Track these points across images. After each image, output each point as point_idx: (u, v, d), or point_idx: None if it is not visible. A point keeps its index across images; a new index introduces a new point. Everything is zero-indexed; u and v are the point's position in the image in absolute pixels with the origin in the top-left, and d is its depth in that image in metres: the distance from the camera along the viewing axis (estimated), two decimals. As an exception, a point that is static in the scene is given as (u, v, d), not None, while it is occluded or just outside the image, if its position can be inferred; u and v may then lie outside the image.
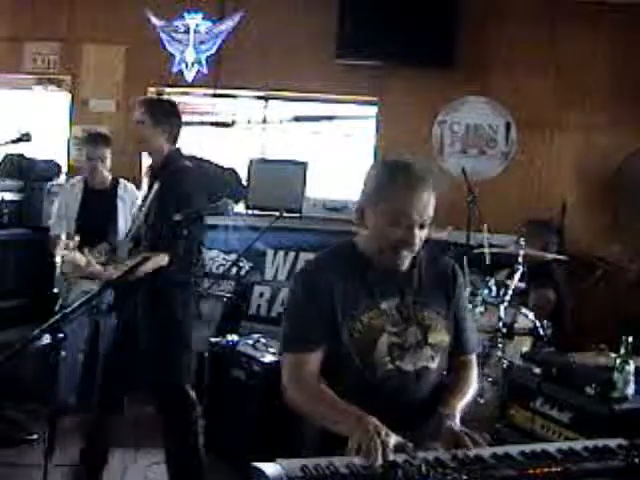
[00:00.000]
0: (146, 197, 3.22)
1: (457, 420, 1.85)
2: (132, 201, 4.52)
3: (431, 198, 1.91)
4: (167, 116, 3.22)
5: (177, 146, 3.28)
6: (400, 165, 1.96)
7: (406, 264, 1.97)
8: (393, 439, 1.64)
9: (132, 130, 3.37)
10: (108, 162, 4.47)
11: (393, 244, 1.92)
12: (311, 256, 5.67)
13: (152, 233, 3.09)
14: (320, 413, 1.86)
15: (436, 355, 2.00)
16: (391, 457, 1.59)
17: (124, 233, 4.32)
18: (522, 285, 4.19)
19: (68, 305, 3.92)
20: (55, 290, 4.22)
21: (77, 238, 3.29)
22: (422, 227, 1.93)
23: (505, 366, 3.68)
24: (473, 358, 2.14)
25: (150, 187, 3.21)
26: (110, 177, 4.55)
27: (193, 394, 3.23)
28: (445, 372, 2.07)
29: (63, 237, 4.23)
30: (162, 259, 2.97)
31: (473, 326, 2.21)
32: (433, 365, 1.99)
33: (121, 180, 4.62)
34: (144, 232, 3.17)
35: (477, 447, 1.71)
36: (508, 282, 4.11)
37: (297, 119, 6.14)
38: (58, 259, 3.12)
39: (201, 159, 5.98)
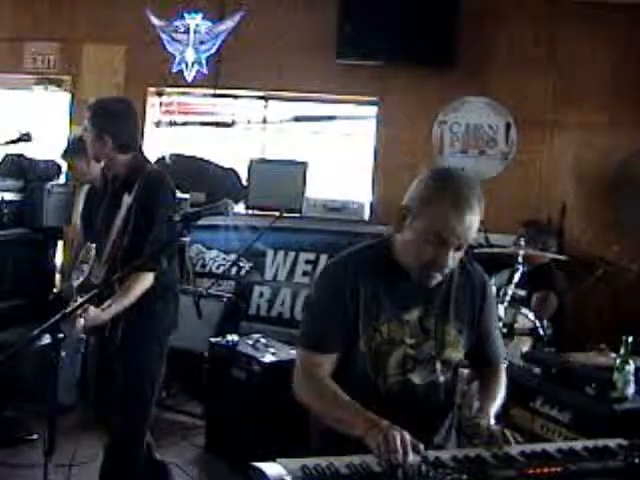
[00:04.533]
0: (110, 212, 2.86)
1: (492, 420, 1.84)
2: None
3: (474, 221, 1.83)
4: (112, 121, 2.82)
5: (135, 151, 2.90)
6: (449, 182, 1.86)
7: (434, 283, 1.91)
8: (409, 437, 1.63)
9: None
10: (79, 166, 4.22)
11: (425, 262, 1.86)
12: (311, 256, 5.75)
13: (131, 252, 2.73)
14: (329, 413, 1.84)
15: (447, 370, 1.99)
16: (413, 458, 1.58)
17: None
18: (522, 293, 4.20)
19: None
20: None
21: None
22: (458, 249, 1.86)
23: (505, 366, 3.68)
24: (501, 368, 2.12)
25: (115, 199, 2.86)
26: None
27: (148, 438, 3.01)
28: (455, 387, 2.07)
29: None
30: (148, 280, 2.73)
31: (500, 337, 2.19)
32: (442, 379, 1.99)
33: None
34: (120, 253, 2.80)
35: (512, 445, 1.71)
36: (508, 283, 4.12)
37: (297, 119, 6.14)
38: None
39: (201, 159, 6.00)
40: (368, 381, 1.92)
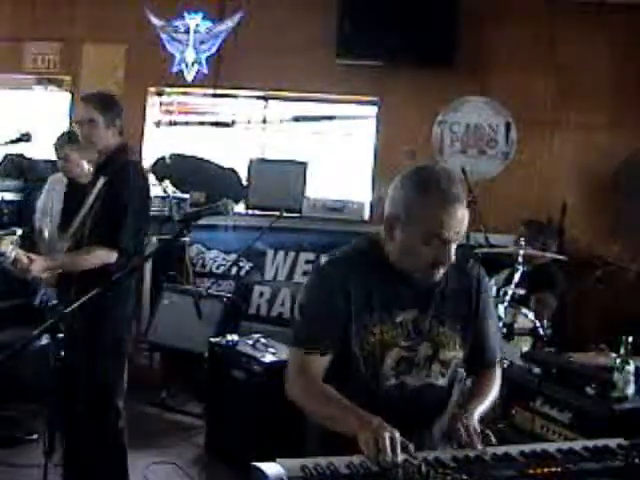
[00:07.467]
0: (87, 194, 3.08)
1: (475, 420, 1.82)
2: None
3: (465, 211, 1.85)
4: (117, 112, 3.09)
5: (121, 139, 3.15)
6: (430, 180, 1.85)
7: (439, 277, 1.91)
8: (399, 438, 1.63)
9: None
10: (76, 158, 4.37)
11: (428, 263, 1.86)
12: (311, 256, 5.75)
13: (98, 230, 2.95)
14: (322, 412, 1.84)
15: (446, 371, 1.97)
16: (400, 457, 1.57)
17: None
18: (522, 292, 4.20)
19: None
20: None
21: (18, 233, 3.23)
22: (455, 242, 1.86)
23: (505, 366, 3.68)
24: (495, 368, 2.09)
25: (93, 184, 3.08)
26: (91, 171, 4.47)
27: (119, 402, 3.08)
28: (455, 387, 2.05)
29: (46, 233, 4.22)
30: (109, 256, 2.85)
31: (497, 335, 2.16)
32: (441, 382, 1.97)
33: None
34: (88, 230, 3.00)
35: (485, 447, 1.69)
36: (508, 283, 4.11)
37: (297, 119, 6.15)
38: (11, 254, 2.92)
39: (201, 159, 6.00)
40: (363, 383, 1.91)
